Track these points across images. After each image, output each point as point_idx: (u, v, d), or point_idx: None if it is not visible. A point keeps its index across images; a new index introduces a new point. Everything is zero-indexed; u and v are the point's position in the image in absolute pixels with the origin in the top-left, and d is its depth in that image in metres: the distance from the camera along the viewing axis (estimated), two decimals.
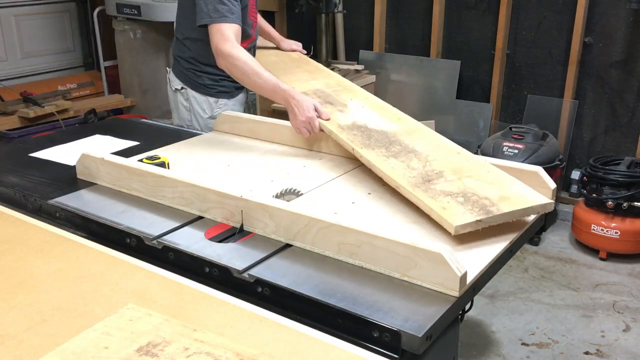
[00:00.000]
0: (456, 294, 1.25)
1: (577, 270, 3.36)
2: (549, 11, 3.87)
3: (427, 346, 1.16)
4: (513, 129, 3.71)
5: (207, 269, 1.39)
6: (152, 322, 1.15)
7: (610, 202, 3.31)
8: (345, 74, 4.24)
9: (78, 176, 1.87)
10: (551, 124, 3.91)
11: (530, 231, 1.61)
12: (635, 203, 3.28)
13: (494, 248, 1.44)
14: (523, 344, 2.75)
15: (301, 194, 1.72)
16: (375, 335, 1.17)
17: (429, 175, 1.68)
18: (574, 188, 3.94)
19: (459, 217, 1.47)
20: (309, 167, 1.97)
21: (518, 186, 1.64)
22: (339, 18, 4.62)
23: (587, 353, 2.69)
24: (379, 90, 4.49)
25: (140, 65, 4.95)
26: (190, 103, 2.52)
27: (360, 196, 1.73)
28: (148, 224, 1.57)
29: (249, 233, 1.52)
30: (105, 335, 1.11)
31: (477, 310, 2.95)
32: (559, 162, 3.65)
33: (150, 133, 2.43)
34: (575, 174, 3.90)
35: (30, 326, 1.15)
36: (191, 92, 2.50)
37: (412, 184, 1.63)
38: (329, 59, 4.39)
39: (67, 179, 1.87)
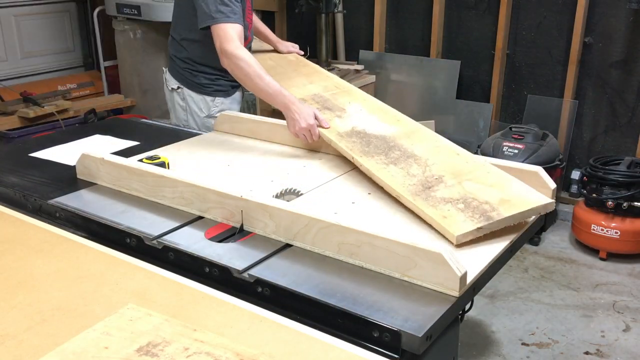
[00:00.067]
0: (456, 294, 1.25)
1: (577, 270, 3.36)
2: (549, 11, 3.87)
3: (427, 346, 1.16)
4: (513, 129, 3.71)
5: (207, 269, 1.39)
6: (152, 322, 1.15)
7: (610, 202, 3.31)
8: (345, 74, 4.24)
9: (78, 176, 1.87)
10: (551, 124, 3.91)
11: (530, 231, 1.61)
12: (635, 203, 3.28)
13: (494, 248, 1.44)
14: (523, 344, 2.75)
15: (301, 194, 1.72)
16: (375, 335, 1.17)
17: (428, 182, 1.67)
18: (574, 188, 3.94)
19: (460, 225, 1.46)
20: (309, 167, 1.97)
21: (518, 186, 1.64)
22: (339, 18, 4.62)
23: (587, 353, 2.69)
24: (379, 90, 4.49)
25: (140, 65, 4.95)
26: (186, 102, 2.53)
27: (360, 196, 1.73)
28: (148, 224, 1.57)
29: (249, 233, 1.52)
30: (105, 335, 1.11)
31: (477, 310, 2.95)
32: (559, 162, 3.65)
33: (150, 133, 2.43)
34: (575, 174, 3.90)
35: (30, 326, 1.15)
36: (187, 92, 2.51)
37: (412, 193, 1.62)
38: (329, 59, 4.39)
39: (67, 179, 1.87)
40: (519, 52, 4.05)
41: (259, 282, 1.31)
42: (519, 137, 3.63)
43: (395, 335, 1.14)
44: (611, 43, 3.71)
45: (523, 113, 4.07)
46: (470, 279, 1.29)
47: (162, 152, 2.03)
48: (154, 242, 1.49)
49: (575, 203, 3.71)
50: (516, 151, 3.55)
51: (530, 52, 4.01)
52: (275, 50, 2.78)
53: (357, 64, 4.49)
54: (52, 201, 1.71)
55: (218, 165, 1.99)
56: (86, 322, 1.15)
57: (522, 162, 3.15)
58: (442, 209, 1.54)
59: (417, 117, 4.53)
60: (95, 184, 1.83)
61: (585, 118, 3.91)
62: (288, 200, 1.64)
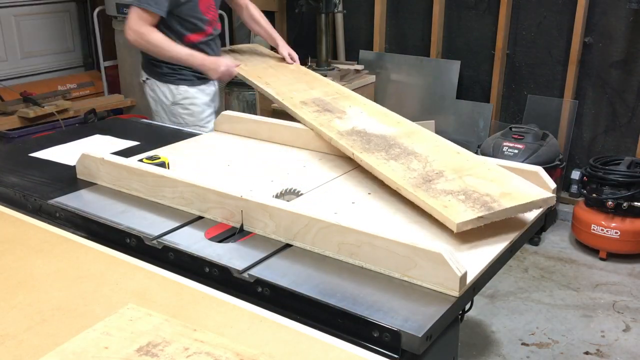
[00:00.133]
0: (456, 294, 1.25)
1: (577, 270, 3.36)
2: (549, 11, 3.87)
3: (427, 346, 1.16)
4: (513, 129, 3.71)
5: (207, 269, 1.39)
6: (152, 322, 1.15)
7: (610, 202, 3.31)
8: (345, 74, 4.24)
9: (78, 176, 1.87)
10: (551, 124, 3.91)
11: (530, 231, 1.61)
12: (635, 203, 3.28)
13: (494, 248, 1.44)
14: (523, 344, 2.75)
15: (301, 194, 1.72)
16: (375, 335, 1.17)
17: (429, 176, 1.68)
18: (574, 188, 3.94)
19: (461, 214, 1.47)
20: (309, 167, 1.97)
21: (519, 182, 1.65)
22: (339, 18, 4.62)
23: (587, 353, 2.69)
24: (379, 90, 4.49)
25: (140, 65, 4.94)
26: (155, 92, 2.76)
27: (360, 196, 1.73)
28: (148, 224, 1.57)
29: (249, 233, 1.52)
30: (105, 335, 1.11)
31: (477, 310, 2.95)
32: (559, 162, 3.65)
33: (150, 133, 2.43)
34: (575, 174, 3.91)
35: (30, 326, 1.15)
36: (154, 82, 2.75)
37: (413, 185, 1.63)
38: (329, 59, 4.39)
39: (67, 179, 1.87)
40: (519, 52, 4.05)
41: (259, 282, 1.31)
42: (519, 137, 3.63)
43: (395, 335, 1.14)
44: (611, 43, 3.71)
45: (523, 113, 4.07)
46: (470, 279, 1.29)
47: (162, 152, 2.03)
48: (154, 242, 1.49)
49: (575, 203, 3.71)
50: (516, 151, 3.55)
51: (530, 52, 4.01)
52: (275, 57, 2.92)
53: (357, 64, 4.49)
54: (52, 201, 1.71)
55: (218, 165, 1.99)
56: (86, 322, 1.15)
57: (522, 162, 3.15)
58: (442, 199, 1.55)
59: (417, 117, 4.55)
60: (95, 184, 1.83)
61: (585, 118, 3.91)
62: (288, 200, 1.64)
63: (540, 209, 1.60)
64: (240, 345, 1.08)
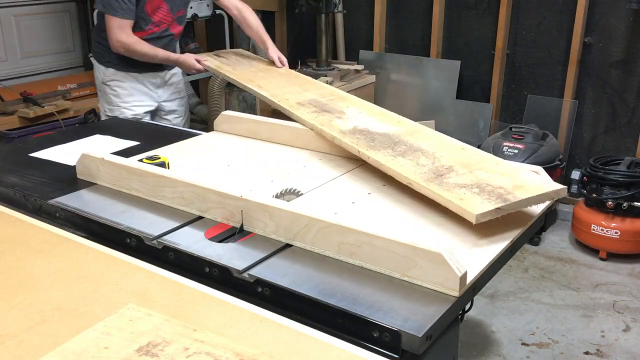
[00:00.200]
0: (456, 294, 1.25)
1: (577, 270, 3.36)
2: (549, 11, 3.87)
3: (427, 346, 1.16)
4: (513, 129, 3.71)
5: (207, 269, 1.39)
6: (152, 322, 1.15)
7: (610, 202, 3.31)
8: (345, 74, 4.24)
9: (78, 176, 1.87)
10: (551, 124, 3.91)
11: (530, 231, 1.61)
12: (635, 203, 3.28)
13: (494, 248, 1.44)
14: (523, 344, 2.75)
15: (301, 194, 1.72)
16: (375, 335, 1.17)
17: (439, 170, 1.69)
18: (574, 188, 3.93)
19: (478, 206, 1.48)
20: (309, 167, 1.97)
21: (528, 175, 1.67)
22: (339, 18, 4.62)
23: (587, 353, 2.69)
24: (378, 90, 4.49)
25: None
26: (95, 70, 3.06)
27: (360, 196, 1.73)
28: (148, 224, 1.57)
29: (249, 233, 1.52)
30: (105, 335, 1.11)
31: (477, 310, 2.95)
32: (559, 162, 3.65)
33: (150, 133, 2.43)
34: (575, 174, 3.90)
35: (30, 326, 1.15)
36: (93, 59, 3.04)
37: (425, 179, 1.64)
38: (329, 59, 4.39)
39: (67, 179, 1.87)
40: (519, 52, 4.05)
41: (259, 282, 1.31)
42: (519, 137, 3.63)
43: (395, 335, 1.14)
44: (611, 43, 3.71)
45: (523, 113, 4.07)
46: (470, 279, 1.29)
47: (162, 152, 2.03)
48: (154, 242, 1.49)
49: (575, 203, 3.71)
50: (516, 151, 3.55)
51: (530, 52, 4.01)
52: (263, 62, 2.99)
53: (357, 64, 4.49)
54: (52, 201, 1.71)
55: (218, 165, 1.99)
56: (86, 322, 1.15)
57: (522, 162, 3.15)
58: (457, 192, 1.56)
59: (417, 117, 4.55)
60: (95, 184, 1.83)
61: (585, 118, 3.91)
62: (288, 200, 1.64)
63: (552, 201, 1.62)
64: (240, 345, 1.08)
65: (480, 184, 1.60)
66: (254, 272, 1.34)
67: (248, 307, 1.21)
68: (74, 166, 1.88)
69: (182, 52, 4.78)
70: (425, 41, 4.36)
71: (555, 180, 1.70)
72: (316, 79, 4.00)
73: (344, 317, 1.20)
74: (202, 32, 5.48)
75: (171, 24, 2.97)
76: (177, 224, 1.57)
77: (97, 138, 2.30)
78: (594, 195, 3.40)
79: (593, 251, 3.49)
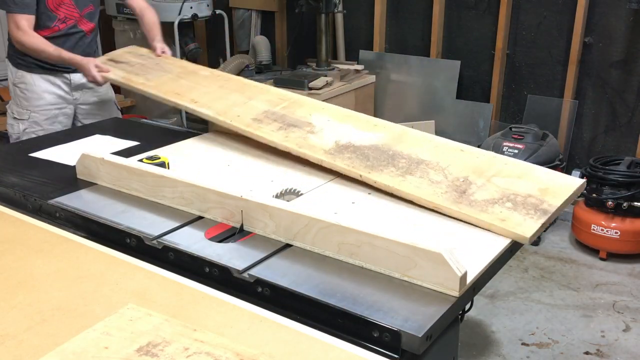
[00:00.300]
0: (456, 294, 1.25)
1: (577, 270, 3.36)
2: (549, 11, 3.87)
3: (427, 346, 1.16)
4: (513, 129, 3.71)
5: (207, 269, 1.39)
6: (152, 322, 1.15)
7: (610, 202, 3.31)
8: (345, 74, 4.25)
9: (78, 176, 1.87)
10: (551, 124, 3.91)
11: None
12: (635, 203, 3.28)
13: (494, 248, 1.44)
14: (523, 344, 2.75)
15: (301, 194, 1.72)
16: (375, 335, 1.17)
17: (457, 186, 1.63)
18: None
19: (525, 226, 1.47)
20: (309, 167, 1.96)
21: (542, 172, 1.66)
22: (339, 18, 4.62)
23: (587, 353, 2.69)
24: (378, 90, 4.49)
25: None
26: (7, 71, 2.90)
27: (360, 196, 1.73)
28: (148, 224, 1.57)
29: (249, 233, 1.52)
30: (105, 335, 1.11)
31: (477, 310, 2.95)
32: (559, 162, 3.65)
33: (150, 133, 2.43)
34: (575, 174, 3.90)
35: (30, 326, 1.15)
36: (7, 61, 2.88)
37: (451, 201, 1.58)
38: (329, 59, 4.39)
39: (67, 179, 1.87)
40: (519, 52, 4.05)
41: (259, 282, 1.31)
42: (519, 137, 3.63)
43: (395, 335, 1.14)
44: (611, 43, 3.71)
45: (523, 113, 4.07)
46: (470, 279, 1.29)
47: (162, 152, 2.03)
48: (154, 242, 1.49)
49: (575, 203, 3.71)
50: (516, 151, 3.55)
51: (530, 52, 4.01)
52: (170, 59, 2.73)
53: (357, 64, 4.50)
54: (52, 201, 1.71)
55: (218, 165, 1.99)
56: (86, 322, 1.15)
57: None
58: (493, 212, 1.52)
59: (417, 117, 4.54)
60: (95, 184, 1.83)
61: (585, 118, 3.91)
62: (288, 200, 1.64)
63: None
64: (240, 345, 1.08)
65: (508, 196, 1.57)
66: (254, 272, 1.34)
67: (248, 307, 1.21)
68: (74, 166, 1.88)
69: (182, 52, 4.79)
70: (425, 41, 4.36)
71: None
72: (316, 78, 4.04)
73: (344, 317, 1.20)
74: (202, 32, 5.48)
75: (79, 21, 2.83)
76: (177, 224, 1.57)
77: (97, 138, 2.30)
78: (594, 195, 3.40)
79: (593, 251, 3.50)
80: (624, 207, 3.29)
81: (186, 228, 1.56)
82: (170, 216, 1.62)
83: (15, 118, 2.87)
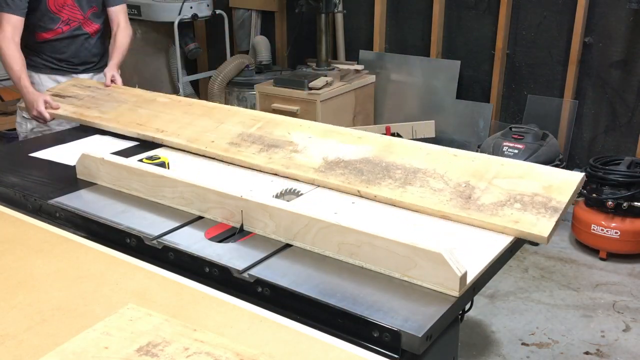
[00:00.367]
0: (456, 294, 1.25)
1: (577, 270, 3.36)
2: (549, 11, 3.87)
3: (427, 346, 1.16)
4: (513, 129, 3.71)
5: (207, 269, 1.39)
6: (152, 322, 1.15)
7: (610, 202, 3.31)
8: (345, 74, 4.25)
9: (78, 176, 1.87)
10: (551, 124, 3.91)
11: None
12: (635, 203, 3.28)
13: (494, 248, 1.44)
14: (523, 344, 2.75)
15: (301, 194, 1.72)
16: (375, 335, 1.17)
17: (461, 192, 1.62)
18: None
19: (540, 226, 1.47)
20: None
21: (543, 169, 1.66)
22: (339, 18, 4.62)
23: (587, 353, 2.69)
24: (378, 90, 4.49)
25: (140, 65, 4.95)
26: None
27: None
28: (148, 224, 1.57)
29: (249, 233, 1.52)
30: (105, 335, 1.11)
31: (477, 310, 2.95)
32: (559, 162, 3.65)
33: None
34: None
35: (30, 326, 1.15)
36: None
37: (459, 208, 1.56)
38: (329, 59, 4.39)
39: (67, 179, 1.87)
40: (519, 52, 4.05)
41: (259, 282, 1.31)
42: (519, 137, 3.63)
43: (395, 335, 1.14)
44: (611, 43, 3.71)
45: (523, 113, 4.07)
46: (470, 279, 1.29)
47: (162, 152, 2.03)
48: (154, 242, 1.49)
49: (575, 203, 3.71)
50: (516, 151, 3.55)
51: (530, 52, 4.01)
52: (122, 89, 2.64)
53: (357, 64, 4.50)
54: (52, 201, 1.71)
55: (218, 165, 1.99)
56: (86, 322, 1.15)
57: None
58: (504, 214, 1.52)
59: (417, 117, 4.54)
60: (95, 184, 1.83)
61: (585, 118, 3.91)
62: (288, 200, 1.64)
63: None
64: (240, 345, 1.08)
65: (514, 196, 1.56)
66: (254, 272, 1.34)
67: (248, 307, 1.21)
68: (74, 166, 1.89)
69: (182, 52, 4.79)
70: (425, 41, 4.36)
71: None
72: (316, 78, 4.04)
73: (344, 317, 1.20)
74: (202, 32, 5.48)
75: (84, 22, 2.81)
76: (177, 224, 1.57)
77: (97, 138, 2.30)
78: (594, 195, 3.40)
79: (593, 251, 3.49)
80: (624, 207, 3.29)
81: (186, 228, 1.56)
82: (170, 216, 1.62)
83: (23, 117, 2.86)
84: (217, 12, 4.89)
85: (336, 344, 1.10)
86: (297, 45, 4.90)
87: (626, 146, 3.79)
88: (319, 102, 3.94)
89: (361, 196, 1.70)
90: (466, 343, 2.73)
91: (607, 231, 3.37)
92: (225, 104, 4.51)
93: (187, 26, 4.85)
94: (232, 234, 1.52)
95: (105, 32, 2.97)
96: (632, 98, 3.72)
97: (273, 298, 1.29)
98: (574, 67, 3.80)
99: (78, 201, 1.72)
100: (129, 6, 4.78)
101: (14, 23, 2.62)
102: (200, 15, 4.72)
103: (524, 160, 3.40)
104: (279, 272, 1.34)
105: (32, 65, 2.79)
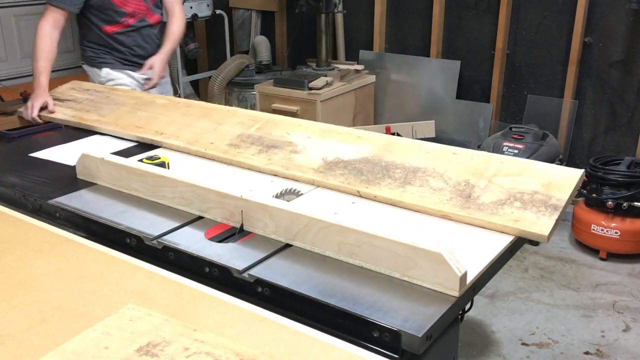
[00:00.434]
0: (456, 294, 1.25)
1: (577, 270, 3.36)
2: (549, 11, 3.87)
3: (427, 346, 1.16)
4: (513, 129, 3.71)
5: (207, 269, 1.39)
6: (152, 322, 1.15)
7: (610, 202, 3.32)
8: (345, 74, 4.25)
9: (78, 176, 1.87)
10: (551, 124, 3.91)
11: None
12: (635, 203, 3.28)
13: (494, 248, 1.44)
14: (523, 344, 2.75)
15: (301, 194, 1.72)
16: (375, 335, 1.17)
17: (461, 191, 1.61)
18: None
19: (540, 225, 1.47)
20: None
21: (542, 166, 1.66)
22: (339, 18, 4.62)
23: (587, 353, 2.69)
24: (378, 90, 4.49)
25: None
26: (89, 75, 2.97)
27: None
28: (148, 224, 1.57)
29: (249, 233, 1.52)
30: (105, 335, 1.11)
31: (477, 310, 2.95)
32: (559, 162, 3.65)
33: None
34: None
35: (30, 326, 1.15)
36: (85, 66, 2.98)
37: (459, 207, 1.56)
38: (329, 59, 4.39)
39: (67, 179, 1.87)
40: (519, 52, 4.05)
41: (259, 282, 1.31)
42: (519, 137, 3.63)
43: (395, 335, 1.14)
44: (611, 43, 3.71)
45: (523, 113, 4.07)
46: (470, 279, 1.29)
47: (162, 152, 2.03)
48: (154, 242, 1.49)
49: (575, 203, 3.71)
50: (516, 151, 3.55)
51: (530, 52, 4.01)
52: (121, 91, 2.63)
53: (357, 64, 4.50)
54: (52, 201, 1.71)
55: (218, 165, 1.99)
56: (86, 322, 1.15)
57: None
58: (504, 213, 1.51)
59: (417, 117, 4.54)
60: (95, 184, 1.83)
61: (585, 118, 3.91)
62: (288, 200, 1.64)
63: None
64: (240, 345, 1.08)
65: (514, 195, 1.56)
66: (254, 272, 1.34)
67: (248, 307, 1.21)
68: (74, 166, 1.88)
69: (183, 52, 4.79)
70: (425, 41, 4.36)
71: None
72: (316, 78, 4.04)
73: (344, 317, 1.20)
74: (202, 32, 5.48)
75: (147, 13, 2.89)
76: (177, 224, 1.57)
77: (97, 138, 2.30)
78: (594, 195, 3.40)
79: (593, 251, 3.50)
80: (624, 207, 3.29)
81: (186, 228, 1.56)
82: (170, 216, 1.62)
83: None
84: (217, 12, 4.89)
85: (336, 344, 1.10)
86: (297, 45, 4.90)
87: (626, 146, 3.79)
88: (319, 102, 3.94)
89: (361, 196, 1.70)
90: (466, 343, 2.73)
91: (607, 231, 3.37)
92: (226, 104, 4.52)
93: (187, 26, 4.84)
94: (232, 234, 1.52)
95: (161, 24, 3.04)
96: (632, 98, 3.72)
97: (273, 298, 1.29)
98: (574, 67, 3.80)
99: (78, 201, 1.72)
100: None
101: (57, 17, 2.71)
102: (200, 15, 4.72)
103: None
104: (279, 272, 1.34)
105: (106, 62, 2.88)
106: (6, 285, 1.29)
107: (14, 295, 1.25)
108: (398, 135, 3.96)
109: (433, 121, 4.16)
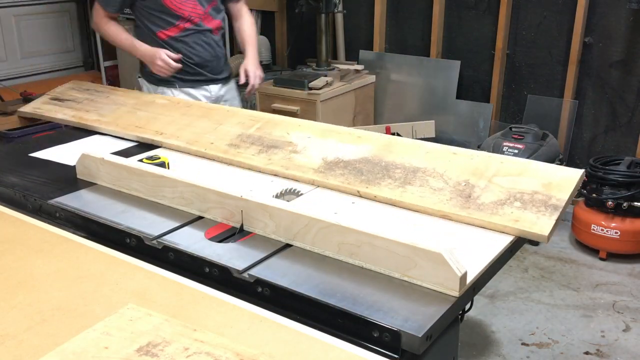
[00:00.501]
0: (456, 294, 1.25)
1: (577, 270, 3.36)
2: (549, 11, 3.87)
3: (427, 346, 1.16)
4: (513, 129, 3.71)
5: (207, 269, 1.39)
6: (152, 322, 1.15)
7: (610, 202, 3.32)
8: (345, 74, 4.25)
9: (78, 176, 1.87)
10: (551, 124, 3.91)
11: None
12: (635, 203, 3.28)
13: (494, 248, 1.44)
14: (523, 344, 2.75)
15: (301, 194, 1.72)
16: (375, 335, 1.17)
17: (461, 191, 1.61)
18: None
19: (540, 225, 1.47)
20: None
21: (542, 166, 1.66)
22: (339, 18, 4.62)
23: (587, 353, 2.69)
24: (378, 90, 4.49)
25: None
26: (142, 90, 2.81)
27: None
28: (148, 224, 1.57)
29: (249, 233, 1.52)
30: (105, 335, 1.11)
31: (477, 310, 2.95)
32: (559, 162, 3.65)
33: None
34: None
35: (30, 326, 1.15)
36: (142, 80, 2.82)
37: (460, 207, 1.56)
38: (329, 59, 4.39)
39: (67, 179, 1.87)
40: (519, 52, 4.05)
41: (259, 282, 1.31)
42: (519, 137, 3.63)
43: (395, 335, 1.14)
44: (611, 43, 3.71)
45: (523, 113, 4.07)
46: (470, 279, 1.29)
47: (162, 152, 2.03)
48: (154, 242, 1.49)
49: (575, 203, 3.71)
50: (516, 151, 3.55)
51: (530, 52, 4.01)
52: (120, 90, 2.65)
53: (357, 64, 4.50)
54: (52, 201, 1.71)
55: (218, 165, 1.99)
56: (86, 322, 1.15)
57: None
58: (504, 213, 1.51)
59: (417, 117, 4.54)
60: (95, 184, 1.83)
61: (585, 118, 3.91)
62: (288, 200, 1.64)
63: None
64: (240, 345, 1.08)
65: (514, 195, 1.56)
66: (254, 272, 1.34)
67: (248, 307, 1.21)
68: (74, 166, 1.88)
69: None
70: (425, 41, 4.36)
71: None
72: (316, 78, 4.04)
73: (344, 317, 1.20)
74: None
75: (204, 18, 2.74)
76: (177, 224, 1.57)
77: (97, 138, 2.30)
78: (594, 195, 3.40)
79: (593, 251, 3.50)
80: (624, 207, 3.29)
81: (186, 228, 1.56)
82: (170, 216, 1.62)
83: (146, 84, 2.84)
84: None
85: (336, 344, 1.10)
86: (297, 45, 4.90)
87: (626, 146, 3.79)
88: (319, 102, 3.94)
89: (361, 196, 1.70)
90: (466, 343, 2.73)
91: (607, 231, 3.37)
92: None
93: None
94: (232, 234, 1.52)
95: (225, 31, 2.94)
96: (632, 98, 3.72)
97: (273, 298, 1.29)
98: (574, 67, 3.80)
99: (78, 201, 1.72)
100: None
101: (110, 15, 2.70)
102: None
103: None
104: (279, 272, 1.34)
105: (164, 80, 2.70)
106: (6, 285, 1.29)
107: (14, 295, 1.25)
108: (398, 135, 3.96)
109: (433, 121, 4.16)
